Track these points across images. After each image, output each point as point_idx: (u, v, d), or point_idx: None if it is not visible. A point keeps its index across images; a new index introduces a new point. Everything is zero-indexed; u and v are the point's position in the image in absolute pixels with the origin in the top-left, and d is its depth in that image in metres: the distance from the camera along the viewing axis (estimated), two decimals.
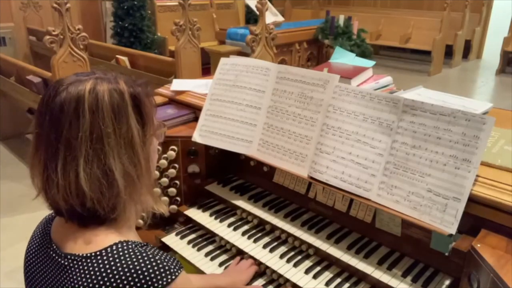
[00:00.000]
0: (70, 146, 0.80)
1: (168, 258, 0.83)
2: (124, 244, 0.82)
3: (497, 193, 1.04)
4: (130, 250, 0.81)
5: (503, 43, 7.63)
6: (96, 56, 4.90)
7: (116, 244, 0.82)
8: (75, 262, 0.82)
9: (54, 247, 0.88)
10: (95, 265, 0.80)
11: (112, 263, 0.79)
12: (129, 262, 0.79)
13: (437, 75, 7.68)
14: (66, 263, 0.83)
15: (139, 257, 0.80)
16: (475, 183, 1.07)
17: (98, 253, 0.81)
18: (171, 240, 1.55)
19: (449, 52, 8.02)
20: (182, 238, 1.56)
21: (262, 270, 1.40)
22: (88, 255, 0.81)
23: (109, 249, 0.81)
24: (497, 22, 8.93)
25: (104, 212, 0.83)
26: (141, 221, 1.26)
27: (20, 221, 3.17)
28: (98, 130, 0.81)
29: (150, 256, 0.80)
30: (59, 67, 3.23)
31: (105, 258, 0.80)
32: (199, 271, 1.42)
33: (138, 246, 0.83)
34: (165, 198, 1.61)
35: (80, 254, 0.82)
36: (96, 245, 0.83)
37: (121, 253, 0.80)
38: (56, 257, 0.86)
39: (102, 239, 0.84)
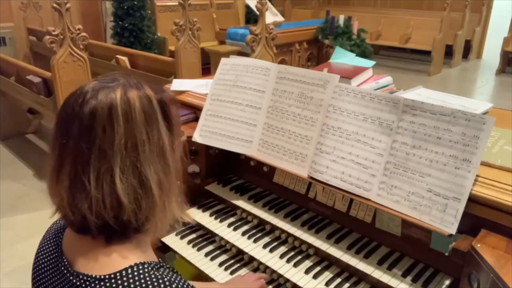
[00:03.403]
0: (104, 156, 0.77)
1: (182, 282, 0.80)
2: (140, 267, 0.79)
3: (497, 193, 1.04)
4: (146, 275, 0.78)
5: (503, 43, 7.62)
6: (96, 56, 4.89)
7: (131, 267, 0.79)
8: (87, 283, 0.78)
9: (66, 262, 0.84)
10: None
11: None
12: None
13: (437, 75, 7.67)
14: (78, 283, 0.79)
15: (155, 282, 0.77)
16: (475, 183, 1.07)
17: (112, 275, 0.78)
18: (171, 240, 1.55)
19: (449, 52, 8.02)
20: (182, 238, 1.57)
21: (261, 271, 1.40)
22: (102, 277, 0.78)
23: (124, 273, 0.78)
24: (497, 22, 8.93)
25: (138, 224, 0.81)
26: None
27: (20, 221, 3.16)
28: (133, 138, 0.79)
29: (166, 281, 0.78)
30: (59, 67, 3.23)
31: (119, 282, 0.77)
32: (199, 271, 1.43)
33: (154, 269, 0.80)
34: None
35: (94, 276, 0.79)
36: (112, 266, 0.79)
37: (136, 278, 0.77)
38: (68, 275, 0.82)
39: (119, 259, 0.81)
